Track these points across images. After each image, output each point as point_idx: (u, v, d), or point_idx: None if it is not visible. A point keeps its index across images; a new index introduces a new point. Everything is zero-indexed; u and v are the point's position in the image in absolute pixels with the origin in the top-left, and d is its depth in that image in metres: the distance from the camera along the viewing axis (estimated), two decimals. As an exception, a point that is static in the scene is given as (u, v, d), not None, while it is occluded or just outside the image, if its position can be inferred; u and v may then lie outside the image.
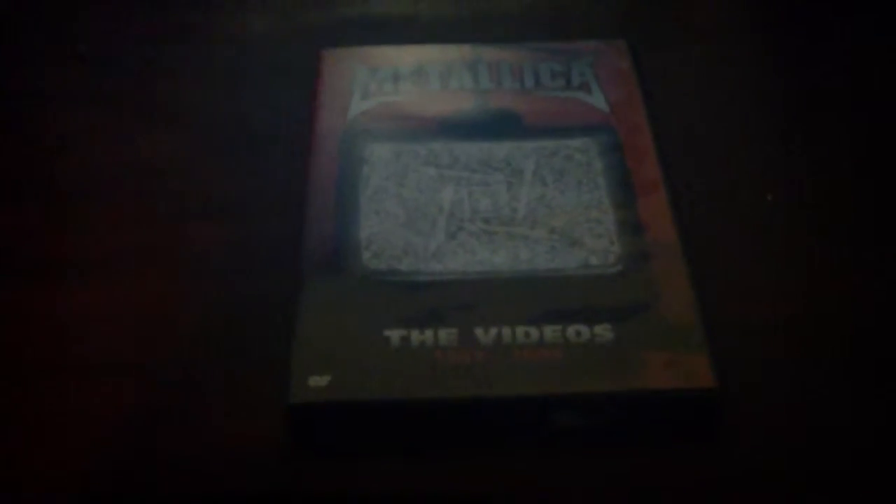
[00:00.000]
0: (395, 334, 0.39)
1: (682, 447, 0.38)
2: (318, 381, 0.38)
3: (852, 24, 0.58)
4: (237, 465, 0.38)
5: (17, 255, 0.46)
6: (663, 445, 0.38)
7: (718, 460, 0.38)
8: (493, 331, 0.39)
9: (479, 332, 0.39)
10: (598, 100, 0.51)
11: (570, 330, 0.39)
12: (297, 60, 0.56)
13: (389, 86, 0.51)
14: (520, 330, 0.39)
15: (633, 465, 0.38)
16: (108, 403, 0.40)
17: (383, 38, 0.57)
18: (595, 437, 0.39)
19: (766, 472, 0.37)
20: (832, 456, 0.38)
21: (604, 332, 0.39)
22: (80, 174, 0.50)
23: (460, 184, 0.46)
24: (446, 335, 0.39)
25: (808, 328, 0.42)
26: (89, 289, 0.44)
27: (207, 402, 0.40)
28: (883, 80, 0.55)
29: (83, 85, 0.55)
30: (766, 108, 0.53)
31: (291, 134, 0.51)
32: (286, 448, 0.38)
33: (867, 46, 0.57)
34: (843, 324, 0.42)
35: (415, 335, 0.39)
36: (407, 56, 0.53)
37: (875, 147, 0.51)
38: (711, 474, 0.37)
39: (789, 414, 0.39)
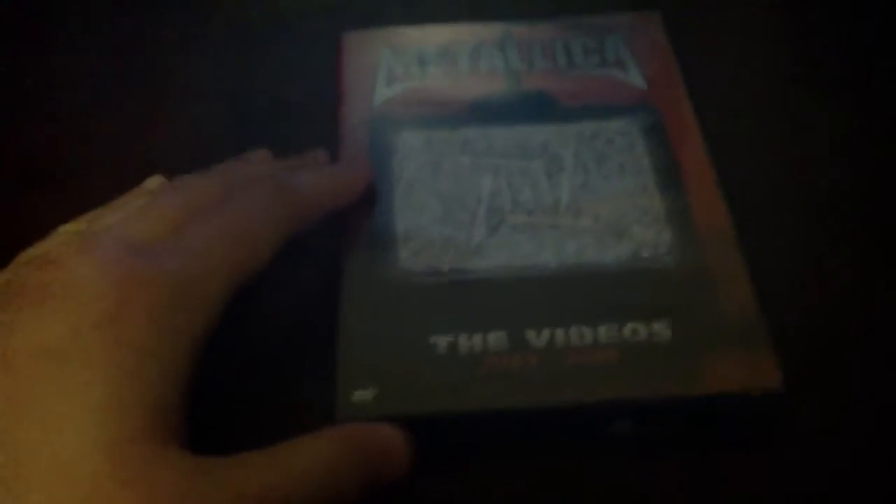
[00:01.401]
0: (441, 340, 0.37)
1: (741, 451, 0.36)
2: (364, 395, 0.36)
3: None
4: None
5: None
6: (722, 450, 0.36)
7: (780, 465, 0.36)
8: (546, 332, 0.37)
9: (530, 334, 0.37)
10: (634, 77, 0.48)
11: (627, 328, 0.37)
12: (319, 43, 0.54)
13: (415, 69, 0.49)
14: (573, 330, 0.37)
15: (691, 471, 0.36)
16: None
17: (407, 17, 0.54)
18: (652, 442, 0.37)
19: (831, 478, 0.36)
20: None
21: (661, 329, 0.37)
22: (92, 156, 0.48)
23: (498, 172, 0.44)
24: (495, 339, 0.37)
25: (870, 323, 0.40)
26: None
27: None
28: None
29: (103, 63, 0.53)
30: (814, 81, 0.51)
31: (319, 121, 0.49)
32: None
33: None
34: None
35: (462, 341, 0.37)
36: (432, 37, 0.51)
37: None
38: (772, 480, 0.36)
39: (854, 415, 0.37)
